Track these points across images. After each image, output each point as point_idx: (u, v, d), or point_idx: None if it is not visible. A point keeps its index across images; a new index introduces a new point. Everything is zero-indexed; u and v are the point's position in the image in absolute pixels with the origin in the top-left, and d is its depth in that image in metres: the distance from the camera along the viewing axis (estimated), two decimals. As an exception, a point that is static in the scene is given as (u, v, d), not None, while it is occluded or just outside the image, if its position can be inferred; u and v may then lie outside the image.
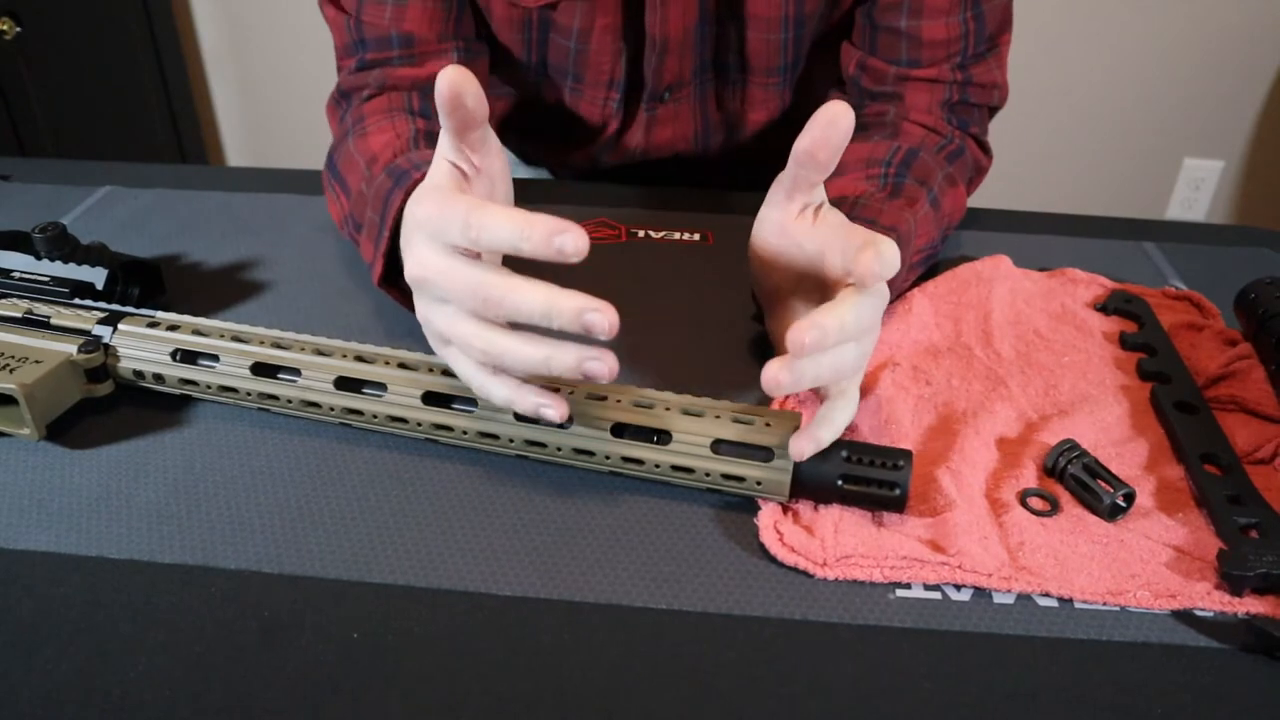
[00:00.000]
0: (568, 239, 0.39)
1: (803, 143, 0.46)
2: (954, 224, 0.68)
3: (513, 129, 0.91)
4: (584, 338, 0.41)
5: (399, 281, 0.57)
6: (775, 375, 0.42)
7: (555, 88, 0.77)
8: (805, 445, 0.44)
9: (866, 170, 0.62)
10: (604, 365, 0.41)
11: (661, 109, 0.77)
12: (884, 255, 0.42)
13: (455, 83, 0.42)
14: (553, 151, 0.89)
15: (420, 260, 0.44)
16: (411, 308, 0.58)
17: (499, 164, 0.49)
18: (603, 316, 0.40)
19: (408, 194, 0.53)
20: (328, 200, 0.66)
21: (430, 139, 0.61)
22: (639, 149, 0.80)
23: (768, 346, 0.60)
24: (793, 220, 0.50)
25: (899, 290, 0.61)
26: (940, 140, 0.67)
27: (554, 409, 0.44)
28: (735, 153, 0.84)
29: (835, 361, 0.44)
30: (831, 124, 0.45)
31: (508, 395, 0.44)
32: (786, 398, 0.54)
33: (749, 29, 0.72)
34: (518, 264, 0.43)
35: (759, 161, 0.86)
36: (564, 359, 0.42)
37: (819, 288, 0.50)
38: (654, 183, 0.81)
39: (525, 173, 0.95)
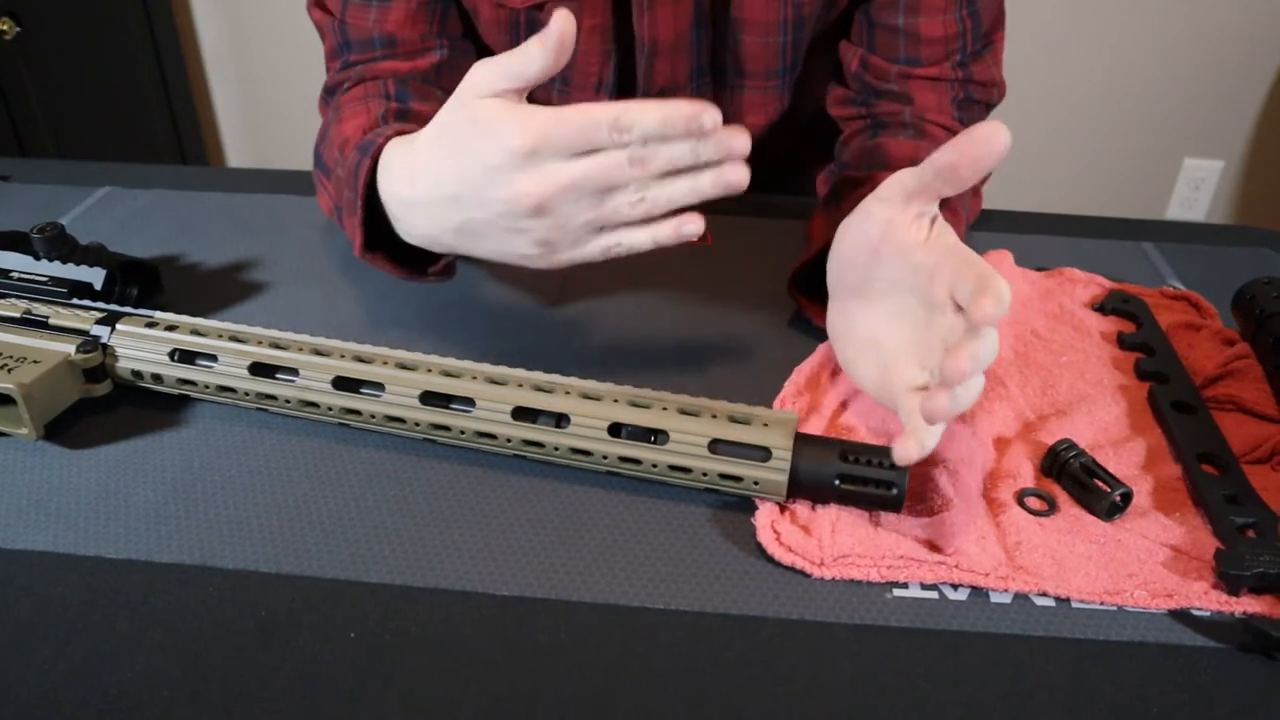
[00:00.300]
0: (708, 117, 0.43)
1: (948, 156, 0.45)
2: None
3: None
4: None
5: (383, 247, 0.57)
6: (942, 405, 0.42)
7: (543, 90, 0.77)
8: (914, 451, 0.43)
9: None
10: (737, 175, 0.46)
11: None
12: (1003, 299, 0.42)
13: (567, 31, 0.45)
14: None
15: (547, 177, 0.46)
16: (402, 274, 0.58)
17: None
18: (740, 140, 0.45)
19: (374, 160, 0.54)
20: (318, 194, 0.67)
21: (401, 116, 0.61)
22: None
23: (766, 346, 0.60)
24: (906, 224, 0.49)
25: None
26: None
27: (693, 224, 0.48)
28: None
29: (975, 388, 0.44)
30: (985, 143, 0.43)
31: (652, 233, 0.48)
32: (787, 395, 0.54)
33: (745, 33, 0.72)
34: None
35: (758, 164, 0.86)
36: (704, 182, 0.46)
37: (917, 299, 0.49)
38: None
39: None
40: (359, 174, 0.55)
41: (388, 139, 0.55)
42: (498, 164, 0.47)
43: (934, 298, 0.47)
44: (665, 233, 0.48)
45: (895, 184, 0.49)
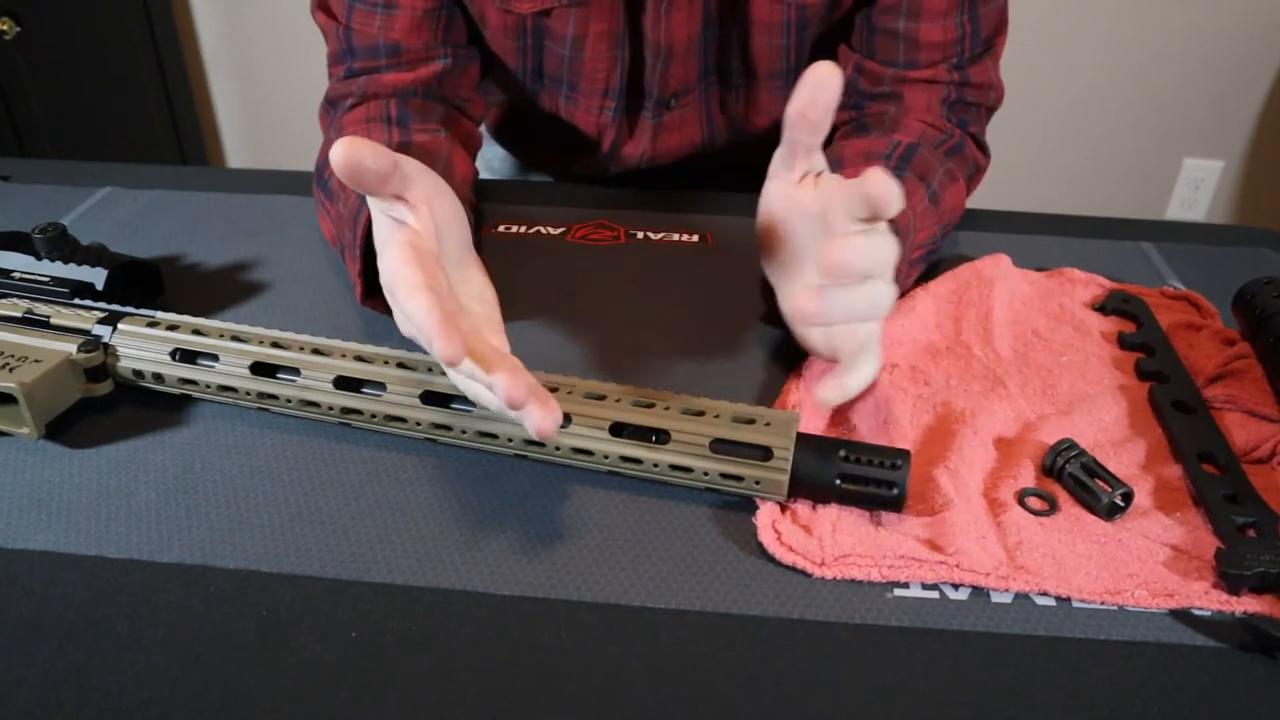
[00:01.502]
0: (436, 346, 0.40)
1: (794, 106, 0.47)
2: (954, 220, 0.68)
3: (511, 137, 0.91)
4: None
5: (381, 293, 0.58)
6: (805, 303, 0.43)
7: (550, 96, 0.77)
8: (832, 392, 0.45)
9: (865, 164, 0.62)
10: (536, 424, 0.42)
11: (668, 116, 0.77)
12: (890, 182, 0.43)
13: (348, 158, 0.42)
14: (553, 159, 0.89)
15: (400, 318, 0.46)
16: None
17: (447, 205, 0.49)
18: (533, 421, 0.41)
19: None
20: (319, 214, 0.67)
21: (403, 151, 0.61)
22: (645, 156, 0.80)
23: (766, 346, 0.60)
24: (795, 187, 0.51)
25: (902, 287, 0.61)
26: (940, 136, 0.67)
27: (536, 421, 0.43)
28: (739, 156, 0.84)
29: (866, 297, 0.45)
30: (820, 85, 0.46)
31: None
32: (787, 395, 0.54)
33: (752, 33, 0.72)
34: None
35: (762, 164, 0.86)
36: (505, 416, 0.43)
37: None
38: (656, 186, 0.81)
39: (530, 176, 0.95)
40: (359, 221, 0.55)
41: None
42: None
43: (835, 232, 0.49)
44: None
45: (775, 159, 0.52)
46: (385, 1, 0.66)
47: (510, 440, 0.48)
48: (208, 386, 0.52)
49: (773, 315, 0.62)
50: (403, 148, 0.61)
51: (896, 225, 0.55)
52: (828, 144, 0.75)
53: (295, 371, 0.50)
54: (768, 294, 0.61)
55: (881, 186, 0.44)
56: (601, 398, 0.47)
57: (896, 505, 0.46)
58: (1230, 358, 0.56)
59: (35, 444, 0.51)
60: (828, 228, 0.49)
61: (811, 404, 0.53)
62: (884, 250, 0.45)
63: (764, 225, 0.53)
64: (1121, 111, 2.03)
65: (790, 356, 0.59)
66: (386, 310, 0.58)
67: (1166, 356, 0.57)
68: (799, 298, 0.44)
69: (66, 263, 0.57)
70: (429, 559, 0.45)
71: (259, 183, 0.81)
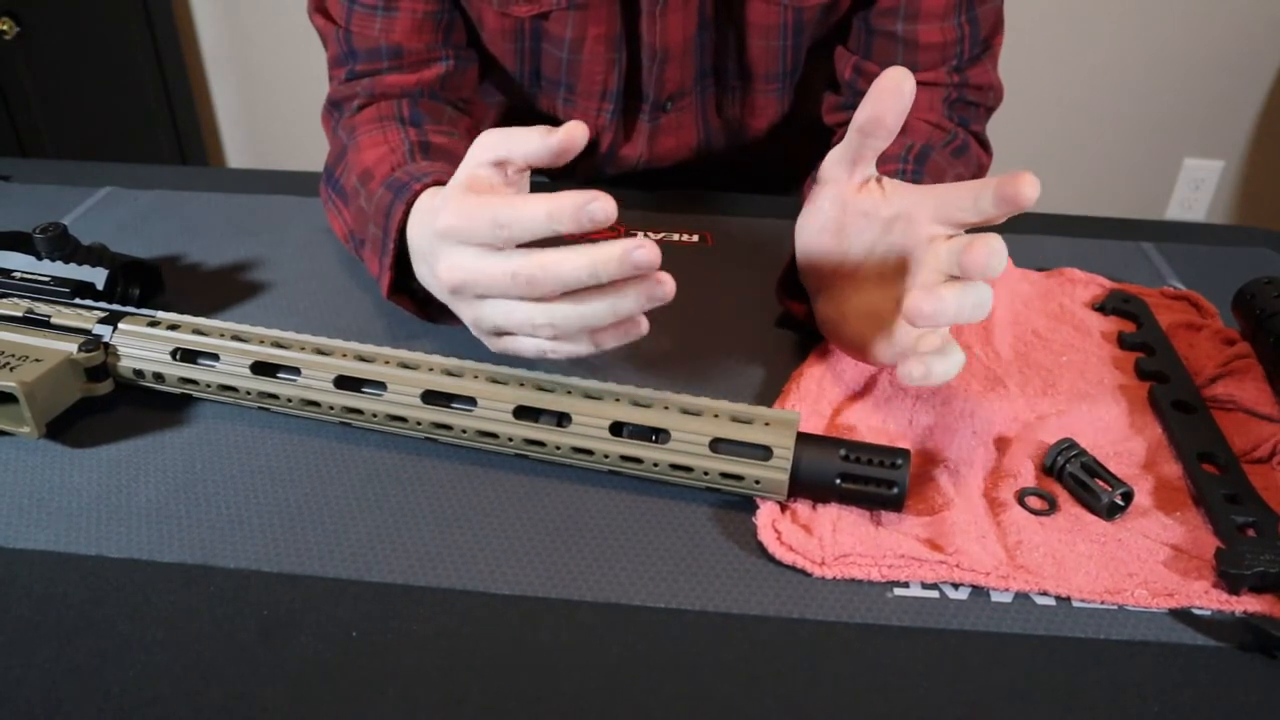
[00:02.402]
0: (596, 206, 0.40)
1: (867, 111, 0.46)
2: None
3: None
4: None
5: (409, 289, 0.57)
6: (918, 304, 0.43)
7: (548, 99, 0.77)
8: (917, 369, 0.45)
9: (883, 166, 0.62)
10: (665, 288, 0.43)
11: (664, 119, 0.77)
12: (995, 248, 0.43)
13: (574, 139, 0.43)
14: None
15: (453, 266, 0.46)
16: (424, 315, 0.58)
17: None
18: (646, 252, 0.41)
19: (408, 206, 0.54)
20: (329, 215, 0.66)
21: (425, 150, 0.61)
22: (642, 159, 0.80)
23: (766, 346, 0.60)
24: (856, 193, 0.50)
25: None
26: (945, 136, 0.67)
27: (638, 329, 0.45)
28: (736, 159, 0.84)
29: (976, 296, 0.45)
30: (896, 90, 0.45)
31: (582, 348, 0.46)
32: (787, 395, 0.54)
33: (749, 36, 0.72)
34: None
35: (759, 166, 0.86)
36: (626, 303, 0.43)
37: (898, 249, 0.50)
38: (654, 187, 0.81)
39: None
40: (391, 216, 0.55)
41: (425, 187, 0.54)
42: (430, 242, 0.48)
43: (918, 237, 0.49)
44: (607, 342, 0.45)
45: (831, 163, 0.51)
46: (385, 4, 0.66)
47: (511, 440, 0.48)
48: (208, 386, 0.52)
49: (787, 319, 0.62)
50: (422, 148, 0.61)
51: None
52: (828, 145, 0.75)
53: (296, 371, 0.50)
54: (792, 296, 0.60)
55: (1031, 187, 0.43)
56: (601, 397, 0.47)
57: (897, 504, 0.46)
58: (1230, 357, 0.56)
59: (35, 443, 0.51)
60: (913, 232, 0.49)
61: (811, 403, 0.53)
62: (972, 297, 0.45)
63: (816, 233, 0.52)
64: (1121, 111, 2.03)
65: (790, 356, 0.59)
66: (411, 306, 0.58)
67: (1166, 356, 0.57)
68: (914, 299, 0.43)
69: (67, 263, 0.57)
70: (429, 558, 0.45)
71: (259, 183, 0.81)
